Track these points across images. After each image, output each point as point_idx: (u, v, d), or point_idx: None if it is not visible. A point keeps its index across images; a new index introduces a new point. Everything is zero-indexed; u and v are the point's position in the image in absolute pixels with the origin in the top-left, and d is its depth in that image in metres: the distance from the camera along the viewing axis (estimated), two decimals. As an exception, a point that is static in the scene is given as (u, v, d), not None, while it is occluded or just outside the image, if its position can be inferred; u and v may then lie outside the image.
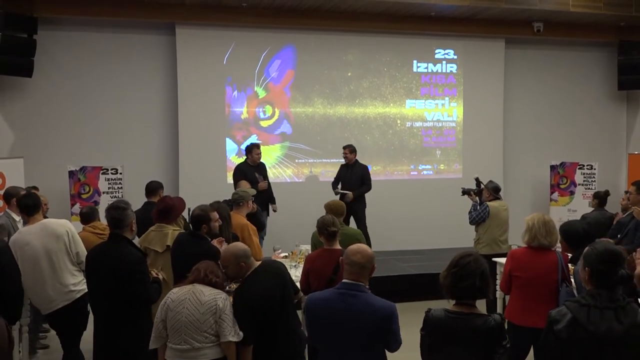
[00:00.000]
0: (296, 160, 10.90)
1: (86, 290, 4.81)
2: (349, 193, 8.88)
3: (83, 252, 5.02)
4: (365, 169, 9.29)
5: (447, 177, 11.51)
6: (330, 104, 10.99)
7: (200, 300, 3.88)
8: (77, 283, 5.16)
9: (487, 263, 7.18)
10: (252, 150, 8.95)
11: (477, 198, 7.50)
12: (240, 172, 8.68)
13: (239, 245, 4.28)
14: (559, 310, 2.98)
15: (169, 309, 3.91)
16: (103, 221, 5.46)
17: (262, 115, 10.74)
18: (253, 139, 10.49)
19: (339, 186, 9.26)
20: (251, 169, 8.83)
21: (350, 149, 9.30)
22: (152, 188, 6.99)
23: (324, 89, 10.95)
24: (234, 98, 10.57)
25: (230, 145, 10.67)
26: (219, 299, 3.93)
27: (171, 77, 10.44)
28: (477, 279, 3.15)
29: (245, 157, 9.12)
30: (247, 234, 5.86)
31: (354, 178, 9.18)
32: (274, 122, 10.78)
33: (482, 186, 7.59)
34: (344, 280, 3.57)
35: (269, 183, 8.92)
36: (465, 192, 7.59)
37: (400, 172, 10.86)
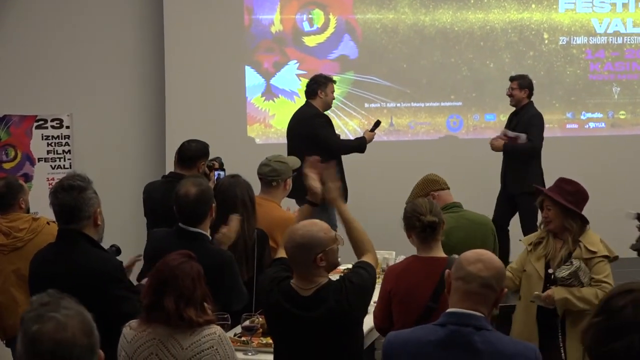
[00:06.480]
0: (366, 105, 8.75)
1: None
2: (521, 135, 7.55)
3: None
4: (534, 117, 7.72)
5: (631, 134, 9.08)
6: (426, 7, 8.88)
7: (181, 345, 3.19)
8: None
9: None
10: (327, 87, 7.27)
11: None
12: (329, 123, 7.04)
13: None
14: None
15: (127, 356, 3.27)
16: (44, 210, 4.45)
17: (307, 28, 8.70)
18: (293, 67, 8.47)
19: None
20: None
21: (519, 82, 7.76)
22: (192, 153, 5.50)
23: (415, -19, 8.77)
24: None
25: (253, 78, 8.50)
26: (209, 341, 3.12)
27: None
28: (637, 338, 2.11)
29: (307, 100, 7.23)
30: None
31: (518, 132, 7.77)
32: (328, 39, 8.74)
33: None
34: (450, 310, 2.76)
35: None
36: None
37: (549, 123, 8.52)
